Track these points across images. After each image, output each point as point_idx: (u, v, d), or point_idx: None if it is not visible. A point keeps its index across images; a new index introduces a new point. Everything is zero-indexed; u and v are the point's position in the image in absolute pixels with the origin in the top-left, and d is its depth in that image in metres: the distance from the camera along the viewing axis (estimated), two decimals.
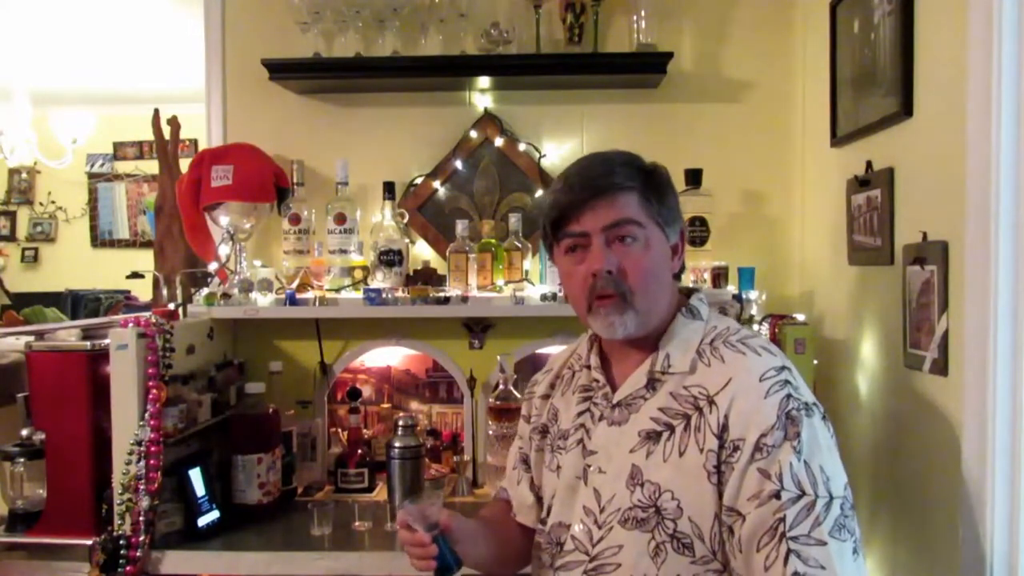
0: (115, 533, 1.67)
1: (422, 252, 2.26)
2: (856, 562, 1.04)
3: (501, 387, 2.04)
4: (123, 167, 6.71)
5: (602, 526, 1.17)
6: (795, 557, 1.01)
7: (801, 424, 1.06)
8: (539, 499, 1.34)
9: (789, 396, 1.08)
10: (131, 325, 1.71)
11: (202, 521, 1.78)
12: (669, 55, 2.07)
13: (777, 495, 1.03)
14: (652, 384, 1.19)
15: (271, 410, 1.95)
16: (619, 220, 1.17)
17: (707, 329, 1.21)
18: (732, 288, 2.01)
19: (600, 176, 1.18)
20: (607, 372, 1.27)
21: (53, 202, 6.81)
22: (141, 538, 1.66)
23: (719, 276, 2.02)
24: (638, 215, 1.17)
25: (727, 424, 1.09)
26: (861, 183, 1.74)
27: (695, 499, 1.10)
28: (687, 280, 1.99)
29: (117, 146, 6.66)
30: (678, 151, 2.15)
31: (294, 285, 2.05)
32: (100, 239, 6.79)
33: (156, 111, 2.73)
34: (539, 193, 2.20)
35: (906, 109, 1.54)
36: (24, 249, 6.82)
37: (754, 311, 1.98)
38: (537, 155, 2.22)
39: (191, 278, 2.17)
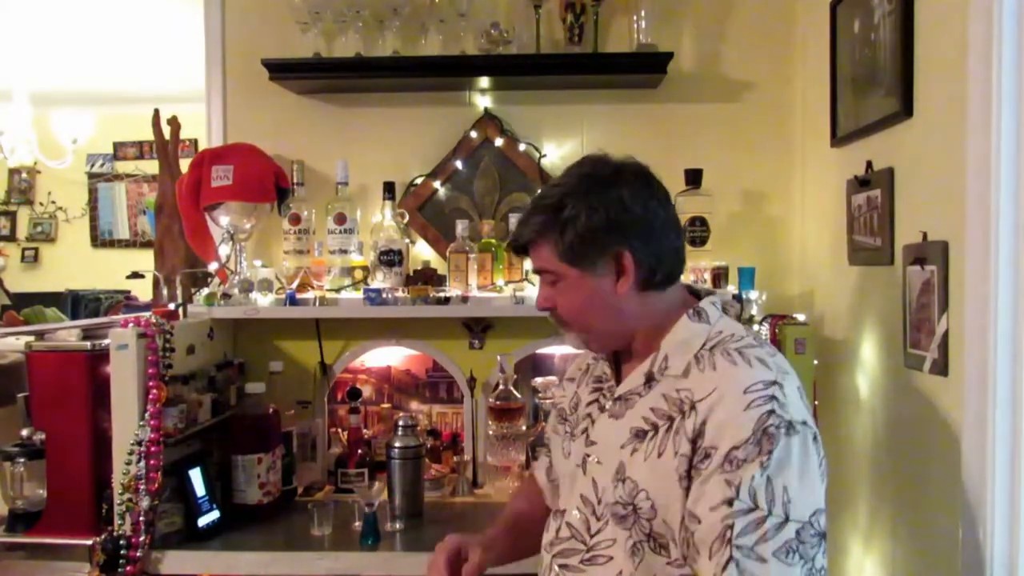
0: (115, 533, 1.67)
1: (422, 252, 2.26)
2: None
3: (501, 387, 2.04)
4: (123, 167, 6.72)
5: (600, 518, 1.19)
6: (734, 566, 1.00)
7: (777, 442, 1.03)
8: (552, 482, 1.40)
9: (771, 412, 1.05)
10: (131, 325, 1.71)
11: (202, 521, 1.78)
12: (669, 55, 2.07)
13: (730, 503, 1.02)
14: (649, 383, 1.20)
15: (271, 410, 1.95)
16: (537, 269, 1.26)
17: (711, 333, 1.19)
18: (732, 288, 2.01)
19: (519, 227, 1.25)
20: (617, 366, 1.29)
21: (53, 202, 6.81)
22: (141, 538, 1.66)
23: (719, 276, 2.02)
24: (550, 263, 1.22)
25: (703, 431, 1.08)
26: (861, 183, 1.74)
27: (667, 501, 1.10)
28: (687, 279, 1.99)
29: (117, 146, 6.66)
30: (678, 151, 2.15)
31: (294, 285, 2.05)
32: (100, 239, 6.79)
33: (156, 111, 2.74)
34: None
35: (906, 109, 1.54)
36: (24, 249, 6.82)
37: (754, 311, 1.98)
38: (537, 155, 2.22)
39: (191, 278, 2.17)
